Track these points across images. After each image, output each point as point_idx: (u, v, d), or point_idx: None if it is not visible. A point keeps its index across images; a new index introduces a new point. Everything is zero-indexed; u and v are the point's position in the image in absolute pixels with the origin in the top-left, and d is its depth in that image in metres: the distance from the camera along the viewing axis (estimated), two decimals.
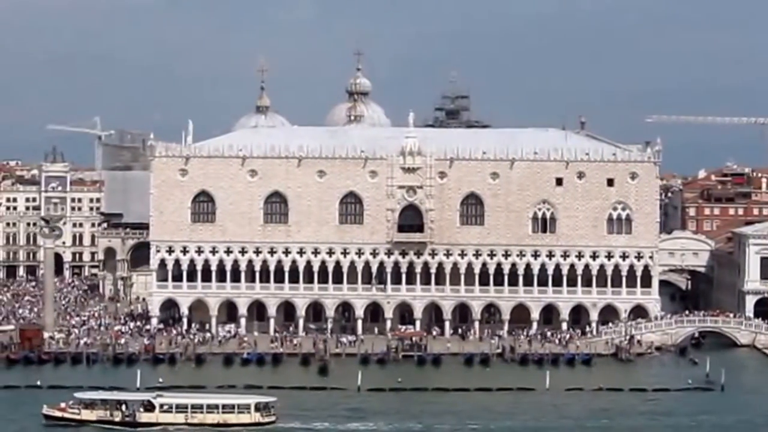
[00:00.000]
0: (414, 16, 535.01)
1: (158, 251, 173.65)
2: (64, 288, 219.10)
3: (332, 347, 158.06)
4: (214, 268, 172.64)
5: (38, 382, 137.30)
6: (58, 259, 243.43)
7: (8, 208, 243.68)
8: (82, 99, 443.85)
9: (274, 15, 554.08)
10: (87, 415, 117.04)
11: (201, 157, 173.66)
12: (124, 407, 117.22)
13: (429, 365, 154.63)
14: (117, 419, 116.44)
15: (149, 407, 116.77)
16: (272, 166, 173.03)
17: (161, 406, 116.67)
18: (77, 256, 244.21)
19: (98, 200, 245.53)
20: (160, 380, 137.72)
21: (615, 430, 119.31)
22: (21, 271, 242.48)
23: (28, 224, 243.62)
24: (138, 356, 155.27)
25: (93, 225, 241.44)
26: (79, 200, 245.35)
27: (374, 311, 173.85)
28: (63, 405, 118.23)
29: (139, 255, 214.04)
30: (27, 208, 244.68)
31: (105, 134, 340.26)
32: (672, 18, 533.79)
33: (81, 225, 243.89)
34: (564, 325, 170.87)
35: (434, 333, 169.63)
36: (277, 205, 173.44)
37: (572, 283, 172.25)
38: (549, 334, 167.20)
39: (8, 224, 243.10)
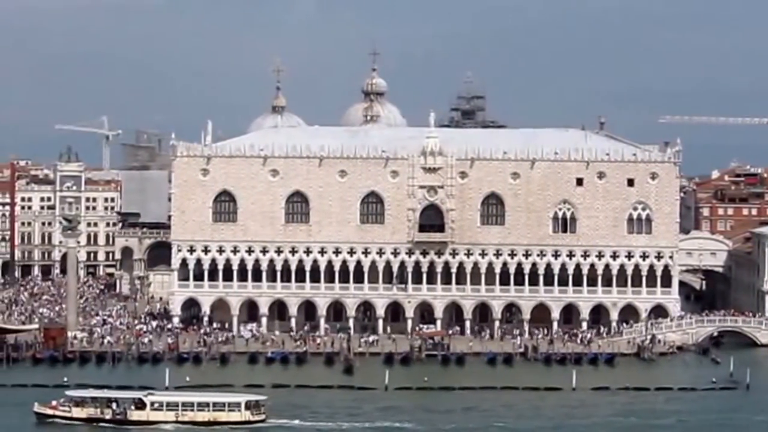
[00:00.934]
0: (427, 16, 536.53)
1: (180, 251, 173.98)
2: (80, 287, 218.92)
3: (355, 346, 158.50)
4: (235, 267, 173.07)
5: (65, 380, 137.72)
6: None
7: (23, 207, 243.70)
8: (88, 99, 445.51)
9: (286, 15, 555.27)
10: (78, 412, 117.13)
11: (222, 157, 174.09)
12: (114, 405, 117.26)
13: (453, 365, 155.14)
14: (108, 417, 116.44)
15: (140, 405, 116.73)
16: (294, 165, 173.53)
17: (152, 404, 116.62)
18: (92, 255, 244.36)
19: (113, 200, 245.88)
20: (188, 379, 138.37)
21: (643, 429, 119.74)
22: (36, 271, 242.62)
23: (43, 224, 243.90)
24: (162, 355, 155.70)
25: (107, 224, 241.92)
26: (94, 200, 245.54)
27: (395, 311, 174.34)
28: (54, 403, 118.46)
29: (156, 254, 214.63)
30: (42, 208, 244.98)
31: (112, 134, 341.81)
32: (682, 19, 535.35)
33: (96, 224, 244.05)
34: (584, 325, 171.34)
35: (453, 332, 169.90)
36: (298, 205, 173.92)
37: (592, 282, 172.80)
38: (572, 333, 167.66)
39: (23, 223, 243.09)
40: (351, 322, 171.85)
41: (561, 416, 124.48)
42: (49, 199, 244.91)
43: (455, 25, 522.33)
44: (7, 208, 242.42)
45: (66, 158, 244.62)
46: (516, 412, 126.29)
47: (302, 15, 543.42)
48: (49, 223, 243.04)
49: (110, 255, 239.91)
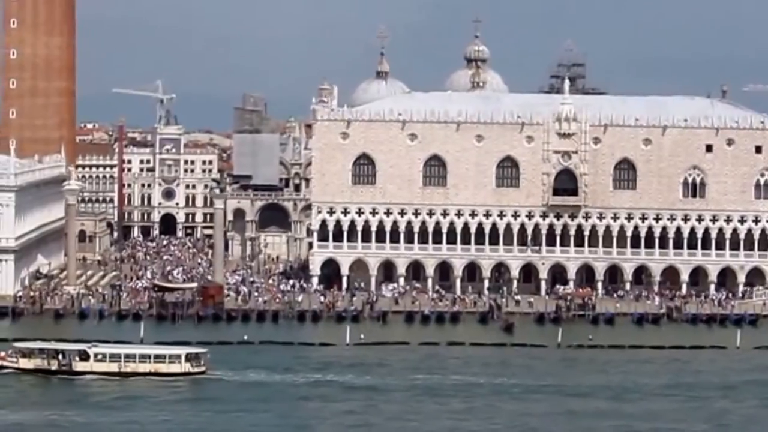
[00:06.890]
0: None
1: (319, 212, 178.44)
2: (191, 248, 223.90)
3: (506, 306, 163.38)
4: (373, 229, 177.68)
5: (246, 337, 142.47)
6: (171, 219, 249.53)
7: (123, 169, 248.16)
8: (147, 64, 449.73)
9: None
10: (25, 363, 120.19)
11: (362, 121, 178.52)
12: (60, 356, 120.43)
13: (603, 324, 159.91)
14: (53, 368, 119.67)
15: (84, 356, 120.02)
16: (432, 130, 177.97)
17: (95, 355, 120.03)
18: (190, 216, 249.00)
19: (210, 162, 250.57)
20: (362, 336, 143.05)
21: None
22: (136, 231, 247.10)
23: (143, 185, 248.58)
24: (321, 314, 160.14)
25: (205, 187, 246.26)
26: (192, 162, 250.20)
27: (527, 272, 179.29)
28: (3, 354, 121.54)
29: (267, 216, 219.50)
30: (141, 170, 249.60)
31: (167, 97, 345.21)
32: None
33: (194, 186, 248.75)
34: (712, 287, 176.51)
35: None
36: (436, 168, 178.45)
37: (720, 246, 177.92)
38: (705, 294, 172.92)
39: (123, 185, 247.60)
40: (486, 283, 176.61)
41: (739, 372, 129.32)
42: (148, 161, 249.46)
43: None
44: (107, 170, 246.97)
45: (166, 121, 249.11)
46: (693, 368, 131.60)
47: None
48: (149, 185, 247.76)
49: (207, 216, 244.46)
